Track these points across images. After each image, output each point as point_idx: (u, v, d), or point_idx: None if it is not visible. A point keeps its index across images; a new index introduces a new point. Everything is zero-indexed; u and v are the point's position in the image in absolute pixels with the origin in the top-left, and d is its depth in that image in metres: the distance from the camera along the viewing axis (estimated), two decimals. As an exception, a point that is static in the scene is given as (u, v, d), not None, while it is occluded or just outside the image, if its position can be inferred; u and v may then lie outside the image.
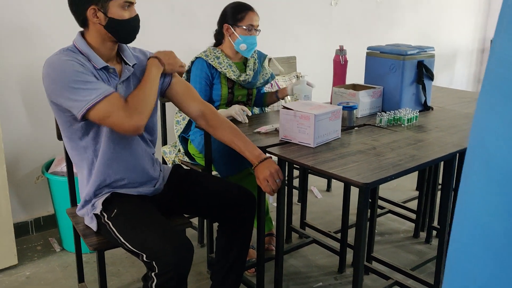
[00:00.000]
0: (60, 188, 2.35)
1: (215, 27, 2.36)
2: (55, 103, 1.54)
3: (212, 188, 1.84)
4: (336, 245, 2.38)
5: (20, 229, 2.56)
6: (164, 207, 1.75)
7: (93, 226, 1.67)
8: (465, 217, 0.55)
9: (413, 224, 2.72)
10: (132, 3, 1.58)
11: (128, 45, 1.72)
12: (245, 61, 2.37)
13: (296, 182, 3.08)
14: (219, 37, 2.34)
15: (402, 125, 2.03)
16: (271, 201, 2.98)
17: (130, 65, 1.66)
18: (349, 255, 2.35)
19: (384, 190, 3.14)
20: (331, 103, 2.24)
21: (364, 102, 2.16)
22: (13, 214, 2.28)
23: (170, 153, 2.47)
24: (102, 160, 1.62)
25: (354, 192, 2.01)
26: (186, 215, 1.89)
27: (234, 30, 2.23)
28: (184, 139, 2.42)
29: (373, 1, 4.08)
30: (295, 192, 3.03)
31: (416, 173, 3.20)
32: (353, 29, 3.96)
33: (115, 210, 1.60)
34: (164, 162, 2.50)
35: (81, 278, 2.04)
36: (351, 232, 2.36)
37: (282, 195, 1.84)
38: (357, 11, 3.98)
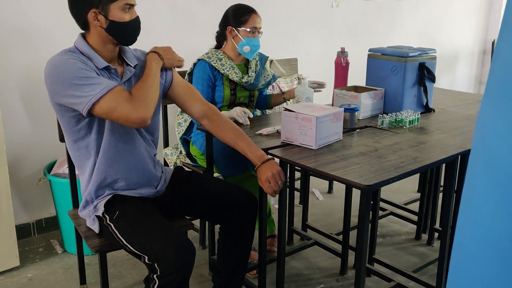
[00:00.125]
0: (62, 190, 2.35)
1: (216, 28, 2.37)
2: (58, 103, 1.55)
3: (213, 190, 1.84)
4: (338, 247, 2.38)
5: (22, 231, 2.56)
6: (165, 209, 1.75)
7: (95, 228, 1.67)
8: (468, 218, 0.56)
9: (415, 226, 2.71)
10: (132, 5, 1.59)
11: (129, 46, 1.73)
12: (246, 63, 2.38)
13: (297, 184, 3.08)
14: (220, 39, 2.35)
15: (404, 127, 2.03)
16: (273, 202, 2.98)
17: (131, 66, 1.67)
18: (351, 257, 2.35)
19: (385, 192, 3.13)
20: (332, 105, 2.24)
21: (366, 104, 2.16)
22: (15, 216, 2.29)
23: (171, 155, 2.48)
24: (103, 159, 1.63)
25: (356, 194, 2.01)
26: (187, 217, 1.90)
27: (238, 32, 2.24)
28: (185, 141, 2.43)
29: (374, 3, 4.08)
30: (297, 194, 3.03)
31: (417, 175, 3.19)
32: (354, 31, 3.96)
33: (117, 212, 1.60)
34: (166, 164, 2.51)
35: (83, 280, 2.04)
36: (353, 234, 2.36)
37: (284, 197, 1.84)
38: (358, 13, 3.98)
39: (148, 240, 1.50)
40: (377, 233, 2.45)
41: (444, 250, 1.87)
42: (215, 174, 2.25)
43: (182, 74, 2.35)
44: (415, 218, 2.73)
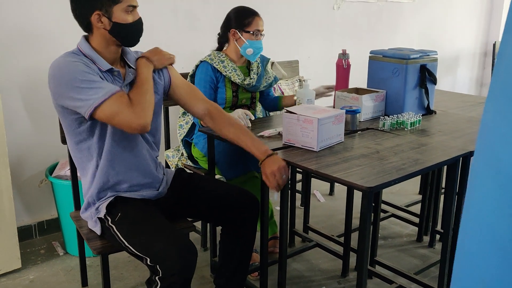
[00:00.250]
0: (64, 192, 2.35)
1: (218, 30, 2.37)
2: (61, 105, 1.56)
3: (214, 191, 1.85)
4: (339, 249, 2.38)
5: (24, 233, 2.57)
6: (167, 211, 1.76)
7: (97, 230, 1.67)
8: (471, 219, 0.56)
9: (416, 228, 2.71)
10: (135, 7, 1.60)
11: (131, 48, 1.73)
12: (248, 65, 2.38)
13: (299, 186, 3.08)
14: (222, 41, 2.35)
15: (405, 129, 2.03)
16: (276, 198, 2.96)
17: (133, 68, 1.68)
18: (352, 259, 2.35)
19: (386, 194, 3.13)
20: (334, 107, 2.24)
21: (367, 106, 2.16)
22: (16, 218, 2.29)
23: (173, 157, 2.48)
24: (105, 161, 1.63)
25: (357, 196, 2.01)
26: (189, 219, 1.90)
27: (241, 35, 2.25)
28: (187, 143, 2.43)
29: (376, 5, 4.09)
30: (298, 196, 3.04)
31: (418, 177, 3.19)
32: (355, 33, 3.97)
33: (119, 214, 1.61)
34: (167, 166, 2.51)
35: (84, 282, 2.05)
36: (354, 236, 2.36)
37: (285, 199, 1.84)
38: (359, 15, 3.98)
39: (150, 241, 1.50)
40: (379, 235, 2.44)
41: (445, 252, 1.87)
42: (217, 176, 2.25)
43: (185, 76, 2.36)
44: (416, 220, 2.73)
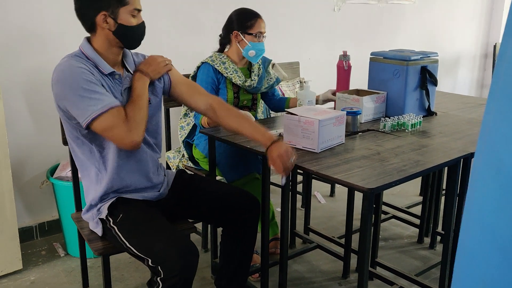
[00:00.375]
0: (65, 193, 2.36)
1: (219, 32, 2.38)
2: (62, 109, 1.56)
3: (215, 192, 1.85)
4: (340, 250, 2.38)
5: (25, 234, 2.57)
6: (168, 212, 1.76)
7: (98, 231, 1.68)
8: (472, 220, 0.56)
9: (417, 230, 2.71)
10: (139, 10, 1.62)
11: (131, 50, 1.74)
12: (249, 67, 2.39)
13: (299, 187, 3.09)
14: (224, 43, 2.36)
15: (406, 131, 2.04)
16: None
17: (131, 74, 1.69)
18: (353, 260, 2.35)
19: (387, 195, 3.13)
20: (334, 109, 2.25)
21: (368, 108, 2.16)
22: (17, 219, 2.29)
23: (174, 158, 2.48)
24: (109, 168, 1.64)
25: (358, 197, 2.01)
26: (190, 220, 1.90)
27: (244, 37, 2.25)
28: (188, 144, 2.44)
29: (376, 7, 4.09)
30: (299, 198, 3.04)
31: (419, 178, 3.19)
32: (356, 35, 3.97)
33: (121, 215, 1.61)
34: (168, 167, 2.51)
35: (85, 283, 2.05)
36: (355, 237, 2.36)
37: (286, 201, 1.85)
38: (360, 16, 3.99)
39: (151, 242, 1.51)
40: (379, 236, 2.44)
41: (446, 254, 1.87)
42: (218, 178, 2.25)
43: (186, 77, 2.36)
44: (417, 221, 2.73)
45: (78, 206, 1.94)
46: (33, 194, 2.63)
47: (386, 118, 2.10)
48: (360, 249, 1.55)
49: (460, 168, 1.77)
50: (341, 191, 3.28)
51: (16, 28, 2.43)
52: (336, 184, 3.29)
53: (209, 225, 2.42)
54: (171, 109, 2.54)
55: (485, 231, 0.54)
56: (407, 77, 2.17)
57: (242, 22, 2.26)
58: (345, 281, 2.30)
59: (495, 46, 5.10)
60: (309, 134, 1.73)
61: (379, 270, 2.26)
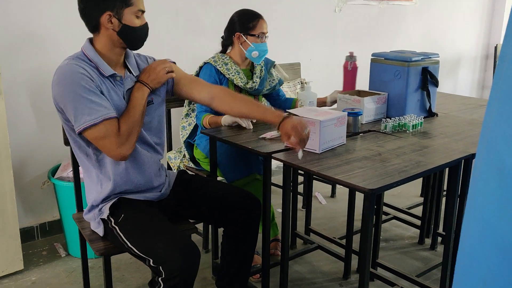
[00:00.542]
0: (66, 194, 2.36)
1: (220, 33, 2.38)
2: (60, 110, 1.58)
3: (216, 193, 1.85)
4: (341, 251, 2.38)
5: (26, 234, 2.57)
6: (169, 212, 1.76)
7: (100, 231, 1.68)
8: (474, 219, 0.56)
9: (418, 231, 2.71)
10: (143, 12, 1.63)
11: (134, 51, 1.75)
12: (251, 68, 2.39)
13: (300, 188, 3.09)
14: (226, 44, 2.36)
15: (407, 131, 2.04)
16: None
17: (133, 75, 1.69)
18: (354, 261, 2.35)
19: (388, 196, 3.13)
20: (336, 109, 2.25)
21: (369, 108, 2.16)
22: (19, 219, 2.29)
23: (175, 158, 2.49)
24: (108, 172, 1.64)
25: (359, 198, 2.01)
26: (191, 220, 1.90)
27: (246, 38, 2.25)
28: (189, 144, 2.44)
29: (377, 8, 4.09)
30: (300, 198, 3.04)
31: (420, 179, 3.19)
32: (357, 36, 3.97)
33: (122, 215, 1.61)
34: (169, 167, 2.51)
35: (86, 284, 2.05)
36: (356, 238, 2.36)
37: (287, 201, 1.85)
38: (361, 17, 3.99)
39: (152, 243, 1.51)
40: (380, 237, 2.45)
41: (447, 255, 1.87)
42: (219, 178, 2.25)
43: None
44: (418, 222, 2.72)
45: (79, 207, 1.95)
46: (35, 195, 2.63)
47: (387, 119, 2.10)
48: (361, 250, 1.55)
49: (461, 169, 1.77)
50: (342, 192, 3.29)
51: (18, 29, 2.44)
52: (337, 185, 3.29)
53: (210, 226, 2.42)
54: (172, 110, 2.54)
55: (485, 231, 0.54)
56: (408, 78, 2.17)
57: (244, 24, 2.26)
58: (346, 281, 2.30)
59: (496, 47, 5.10)
60: (310, 135, 1.73)
61: (380, 271, 2.26)
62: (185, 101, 2.40)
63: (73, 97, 1.51)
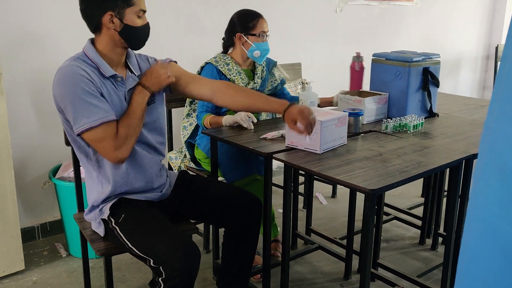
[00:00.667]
0: (67, 194, 2.36)
1: (220, 33, 2.38)
2: (60, 110, 1.58)
3: (217, 193, 1.85)
4: (342, 252, 2.38)
5: (27, 234, 2.57)
6: (170, 212, 1.76)
7: (101, 231, 1.68)
8: (476, 221, 0.56)
9: (419, 231, 2.71)
10: (144, 11, 1.63)
11: (135, 52, 1.75)
12: (253, 68, 2.39)
13: (301, 188, 3.09)
14: (227, 45, 2.36)
15: (408, 132, 2.04)
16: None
17: (135, 75, 1.69)
18: (355, 261, 2.34)
19: (389, 197, 3.13)
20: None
21: (370, 109, 2.16)
22: (20, 219, 2.29)
23: (176, 158, 2.48)
24: (108, 173, 1.64)
25: (360, 198, 2.01)
26: (192, 221, 1.90)
27: (247, 38, 2.26)
28: (190, 144, 2.44)
29: (378, 8, 4.09)
30: (301, 199, 3.04)
31: (421, 180, 3.19)
32: (358, 36, 3.97)
33: (123, 215, 1.61)
34: (170, 168, 2.51)
35: (87, 284, 2.05)
36: (357, 239, 2.36)
37: (288, 202, 1.85)
38: (362, 18, 3.99)
39: (153, 243, 1.51)
40: (381, 237, 2.44)
41: (448, 255, 1.87)
42: (219, 178, 2.25)
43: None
44: (419, 222, 2.72)
45: (80, 207, 1.95)
46: (35, 195, 2.63)
47: (388, 119, 2.11)
48: (362, 250, 1.55)
49: (462, 169, 1.77)
50: (343, 192, 3.28)
51: (18, 29, 2.44)
52: (338, 185, 3.29)
53: (211, 226, 2.42)
54: (173, 110, 2.54)
55: (487, 232, 0.54)
56: (409, 79, 2.17)
57: (244, 24, 2.27)
58: (346, 282, 2.30)
59: (497, 48, 5.10)
60: (311, 135, 1.73)
61: (380, 271, 2.26)
62: (187, 101, 2.40)
63: (73, 98, 1.51)
